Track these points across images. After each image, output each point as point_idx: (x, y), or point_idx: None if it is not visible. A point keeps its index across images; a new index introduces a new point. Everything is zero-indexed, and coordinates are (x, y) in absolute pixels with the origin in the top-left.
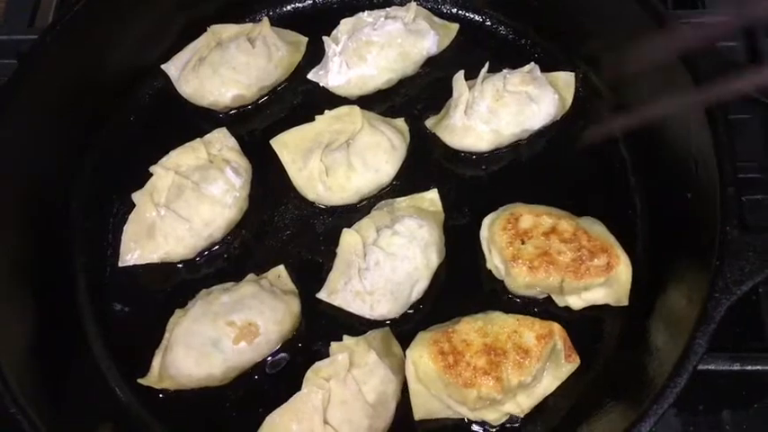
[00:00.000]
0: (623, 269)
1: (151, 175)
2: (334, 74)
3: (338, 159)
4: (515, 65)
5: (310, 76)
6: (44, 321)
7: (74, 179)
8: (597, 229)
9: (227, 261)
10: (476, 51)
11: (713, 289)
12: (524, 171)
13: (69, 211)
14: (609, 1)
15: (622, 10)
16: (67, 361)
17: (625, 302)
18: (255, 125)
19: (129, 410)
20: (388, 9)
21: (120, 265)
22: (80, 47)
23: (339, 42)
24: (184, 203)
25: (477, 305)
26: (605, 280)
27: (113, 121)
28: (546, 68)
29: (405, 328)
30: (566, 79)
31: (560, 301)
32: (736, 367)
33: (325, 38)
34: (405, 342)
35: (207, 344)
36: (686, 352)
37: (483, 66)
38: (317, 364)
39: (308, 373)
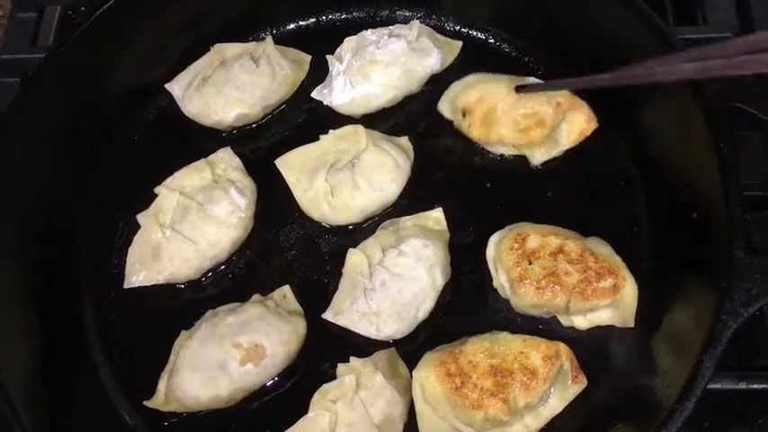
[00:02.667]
0: (629, 291)
1: (156, 195)
2: (338, 92)
3: (343, 179)
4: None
5: (314, 94)
6: (50, 344)
7: (78, 200)
8: (604, 250)
9: (232, 281)
10: (479, 69)
11: (720, 311)
12: (529, 190)
13: (74, 233)
14: (612, 19)
15: (626, 28)
16: (73, 384)
17: (631, 324)
18: (260, 144)
19: None
20: (391, 27)
21: (126, 286)
22: (84, 67)
23: (343, 61)
24: (189, 225)
25: (483, 324)
26: (611, 301)
27: (117, 141)
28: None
29: (411, 348)
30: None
31: (566, 321)
32: (743, 386)
33: (329, 56)
34: (411, 362)
35: (213, 366)
36: (694, 375)
37: None
38: (324, 386)
39: (315, 396)
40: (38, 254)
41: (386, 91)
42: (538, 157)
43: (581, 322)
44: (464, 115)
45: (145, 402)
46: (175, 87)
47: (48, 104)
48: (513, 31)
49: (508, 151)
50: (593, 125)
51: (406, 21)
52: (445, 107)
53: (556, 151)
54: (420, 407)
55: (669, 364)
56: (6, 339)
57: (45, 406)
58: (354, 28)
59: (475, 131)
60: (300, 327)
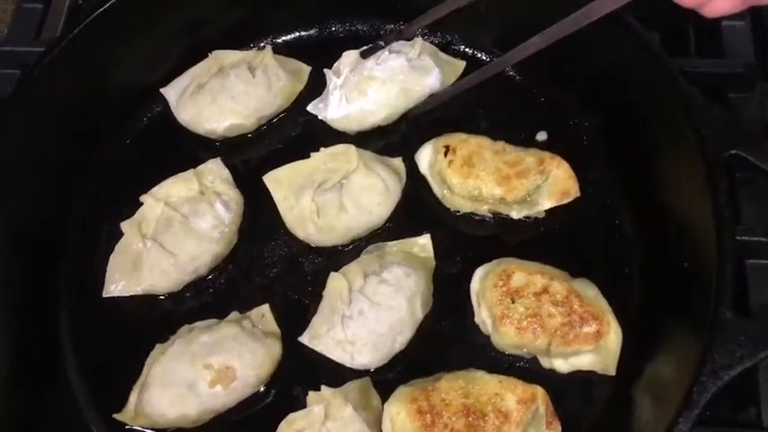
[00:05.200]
0: (613, 338)
1: (141, 203)
2: (334, 108)
3: (330, 200)
4: (521, 107)
5: (310, 108)
6: (23, 350)
7: (65, 202)
8: (590, 293)
9: (212, 296)
10: (479, 91)
11: (700, 373)
12: (520, 225)
13: (59, 236)
14: (616, 47)
15: (633, 58)
16: (44, 393)
17: (612, 372)
18: (251, 155)
19: None
20: (393, 43)
21: (105, 295)
22: (84, 63)
23: (341, 75)
24: (172, 237)
25: (461, 359)
26: (594, 347)
27: (109, 144)
28: (556, 114)
29: (387, 377)
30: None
31: (546, 362)
32: None
33: (326, 71)
34: (385, 392)
35: (182, 385)
36: None
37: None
38: (292, 415)
39: (282, 425)
40: (20, 256)
41: (381, 108)
42: (515, 214)
43: (561, 365)
44: (446, 153)
45: (114, 415)
46: (171, 92)
47: (43, 100)
48: None
49: (479, 209)
50: (575, 191)
51: (410, 38)
52: (427, 149)
53: (534, 211)
54: None
55: (647, 418)
56: None
57: (15, 415)
58: (357, 41)
59: (454, 171)
60: (275, 350)
